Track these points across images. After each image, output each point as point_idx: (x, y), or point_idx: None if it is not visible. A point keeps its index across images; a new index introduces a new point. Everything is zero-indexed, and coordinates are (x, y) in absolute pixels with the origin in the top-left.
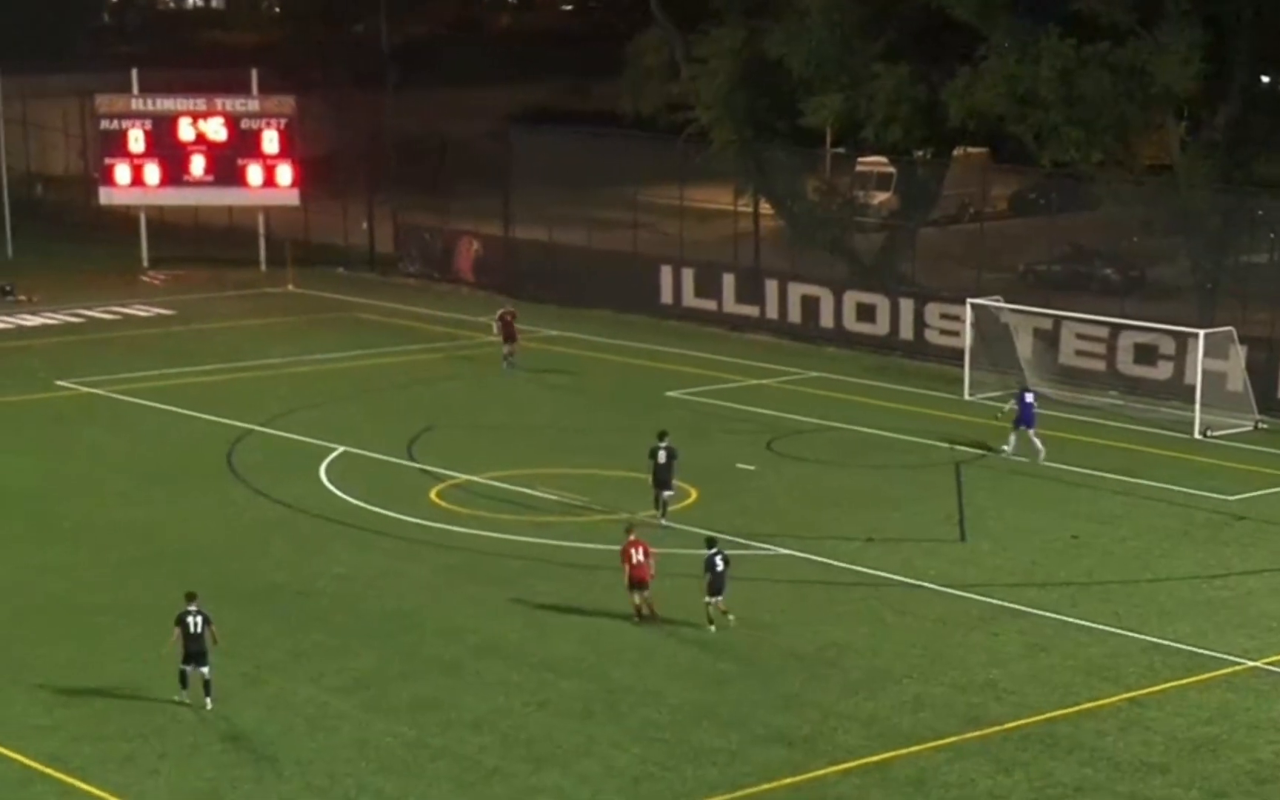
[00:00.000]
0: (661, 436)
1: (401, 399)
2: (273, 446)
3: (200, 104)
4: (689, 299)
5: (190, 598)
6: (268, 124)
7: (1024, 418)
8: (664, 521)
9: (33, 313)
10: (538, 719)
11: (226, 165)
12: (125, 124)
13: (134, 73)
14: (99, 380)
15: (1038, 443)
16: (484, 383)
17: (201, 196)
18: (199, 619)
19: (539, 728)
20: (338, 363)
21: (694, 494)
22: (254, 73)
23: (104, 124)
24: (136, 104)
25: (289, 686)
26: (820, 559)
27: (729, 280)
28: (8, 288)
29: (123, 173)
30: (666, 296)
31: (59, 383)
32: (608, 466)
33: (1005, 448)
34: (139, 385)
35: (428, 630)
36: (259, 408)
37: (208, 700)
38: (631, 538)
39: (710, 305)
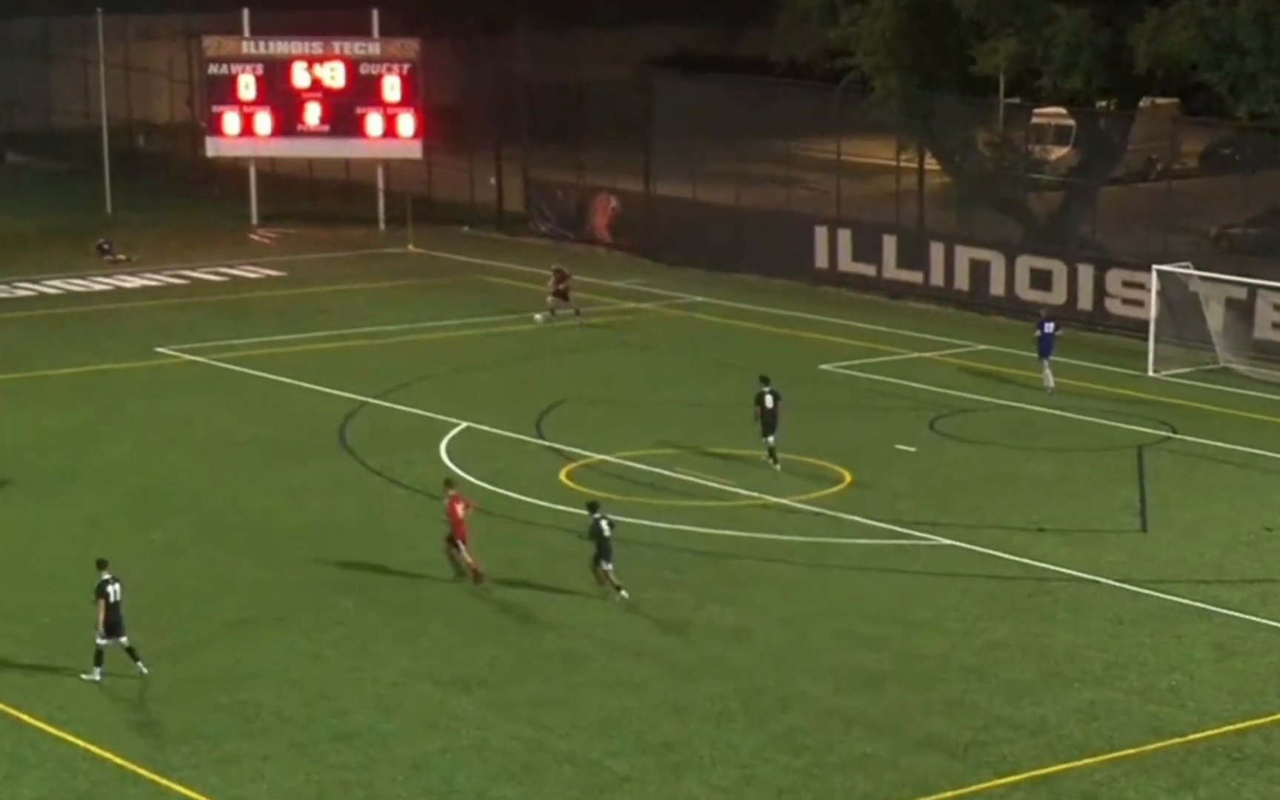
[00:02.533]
0: (764, 381)
1: (530, 370)
2: (389, 421)
3: (316, 47)
4: (846, 263)
5: (102, 565)
6: (389, 70)
7: (1041, 347)
8: (778, 466)
9: (132, 273)
10: (672, 722)
11: (344, 114)
12: (235, 69)
13: (245, 13)
14: (202, 347)
15: (1048, 376)
16: (621, 353)
17: (316, 148)
18: (118, 587)
19: (673, 732)
20: (461, 330)
21: (848, 477)
22: (374, 14)
23: (212, 69)
24: (247, 47)
25: (402, 682)
26: (985, 550)
27: (890, 243)
28: (106, 246)
29: (231, 122)
30: (821, 260)
31: (159, 349)
32: (754, 446)
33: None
34: (245, 353)
35: (552, 623)
36: (375, 379)
37: (140, 665)
38: (451, 493)
39: (869, 270)
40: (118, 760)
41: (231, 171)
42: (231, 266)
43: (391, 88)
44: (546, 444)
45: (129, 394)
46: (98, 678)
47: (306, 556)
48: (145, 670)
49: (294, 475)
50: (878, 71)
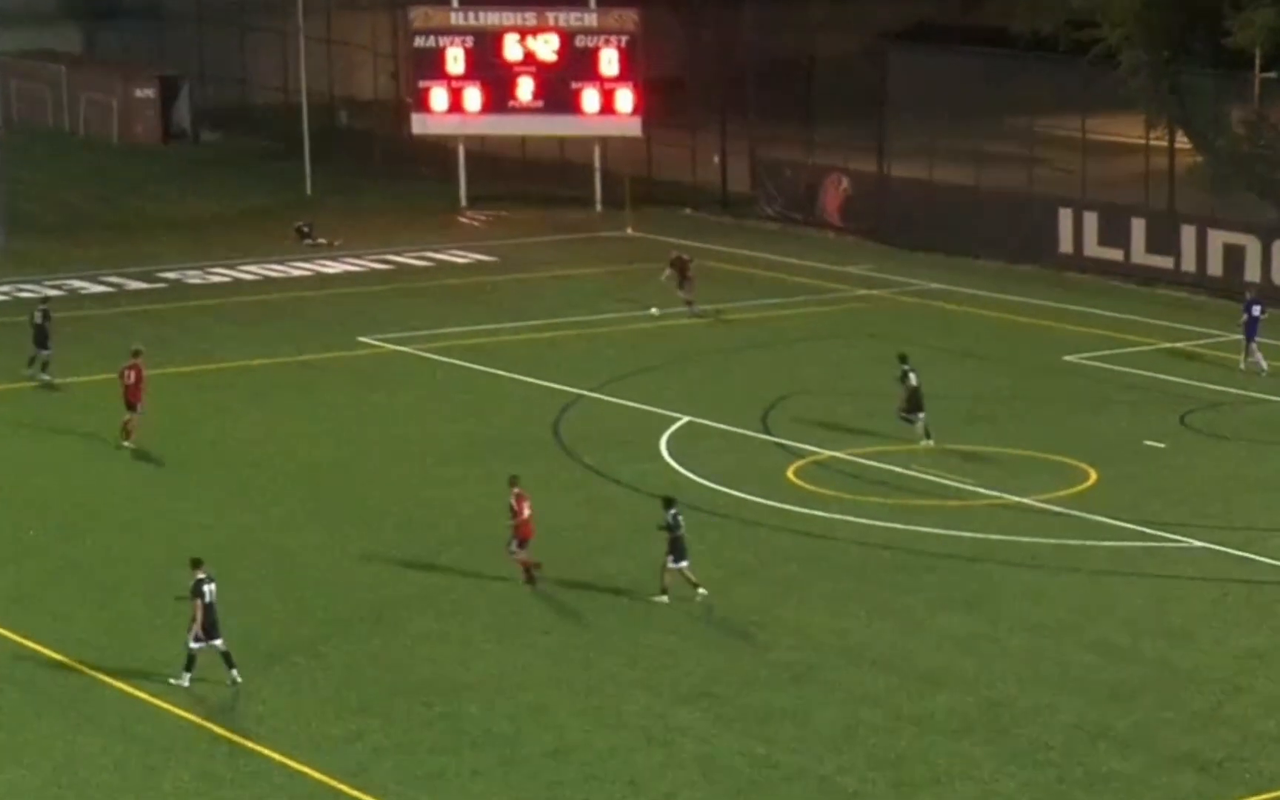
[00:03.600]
0: (903, 359)
1: (755, 361)
2: (606, 415)
3: (529, 18)
4: (1091, 248)
5: (197, 564)
6: (606, 42)
7: (1248, 330)
8: (932, 442)
9: (333, 258)
10: (908, 736)
11: (558, 89)
12: (443, 41)
13: None
14: (407, 337)
15: (1258, 359)
16: (851, 343)
17: (529, 125)
18: (213, 587)
19: (909, 746)
20: (681, 319)
21: (1093, 475)
22: None
23: (418, 41)
24: (456, 18)
25: (621, 693)
26: (1242, 554)
27: (1138, 226)
28: (306, 229)
29: (439, 97)
30: (1065, 245)
31: (361, 339)
32: (993, 442)
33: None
34: (453, 343)
35: (780, 630)
36: (591, 370)
37: (234, 673)
38: (516, 490)
39: (1116, 255)
40: (317, 775)
41: (439, 150)
42: (439, 251)
43: (609, 61)
44: (773, 439)
45: (330, 387)
46: (186, 683)
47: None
48: (239, 679)
49: (504, 472)
50: (1125, 43)
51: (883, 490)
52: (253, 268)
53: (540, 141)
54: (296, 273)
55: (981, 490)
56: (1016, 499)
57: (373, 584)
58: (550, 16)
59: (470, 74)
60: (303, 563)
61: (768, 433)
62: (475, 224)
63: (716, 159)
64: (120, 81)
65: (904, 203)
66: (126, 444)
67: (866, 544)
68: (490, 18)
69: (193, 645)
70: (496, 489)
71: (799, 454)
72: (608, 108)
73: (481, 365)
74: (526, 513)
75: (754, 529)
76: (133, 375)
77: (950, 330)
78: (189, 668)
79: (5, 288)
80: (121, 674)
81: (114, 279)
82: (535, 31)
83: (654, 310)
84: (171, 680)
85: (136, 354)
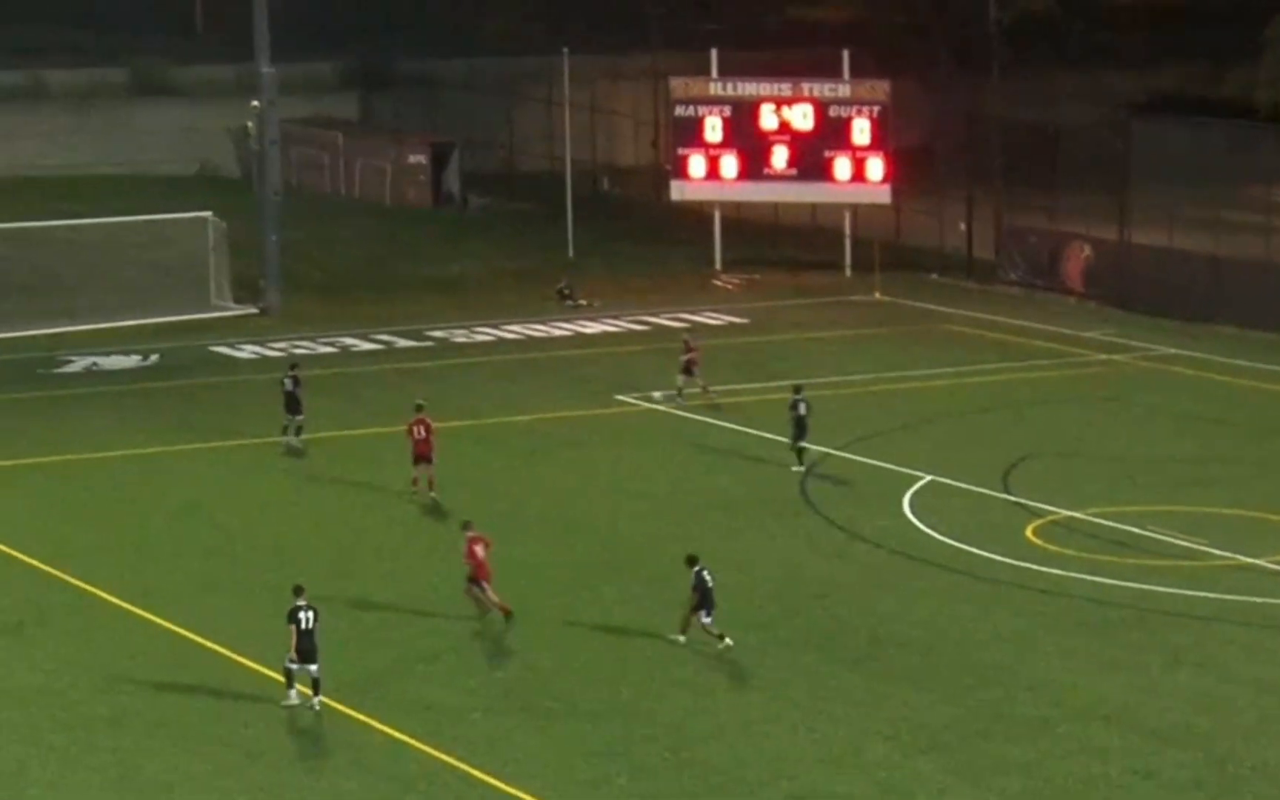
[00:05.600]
0: (797, 389)
1: (997, 423)
2: (851, 473)
3: (785, 89)
4: None
5: (299, 591)
6: (858, 111)
7: None
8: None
9: (593, 318)
10: (1141, 791)
11: (812, 157)
12: (702, 110)
13: (713, 53)
14: (662, 395)
15: None
16: (1091, 406)
17: (783, 192)
18: (310, 614)
19: None
20: (926, 380)
21: None
22: (845, 54)
23: (679, 110)
24: (715, 88)
25: (859, 742)
26: None
27: None
28: (567, 289)
29: (697, 165)
30: None
31: (618, 397)
32: (1228, 504)
33: None
34: (704, 401)
35: (1016, 685)
36: (838, 429)
37: (316, 700)
38: (470, 534)
39: None
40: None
41: (695, 216)
42: (694, 312)
43: (861, 131)
44: (1014, 499)
45: (588, 443)
46: (294, 700)
47: (765, 613)
48: (319, 706)
49: (752, 529)
50: None
51: (1119, 550)
52: (515, 327)
53: (792, 207)
54: (557, 332)
55: (1215, 551)
56: (1250, 560)
57: (620, 632)
58: (805, 87)
59: (727, 142)
60: (555, 615)
61: (1008, 492)
62: (728, 287)
63: (962, 226)
64: (394, 147)
65: (1144, 269)
66: (432, 495)
67: (1102, 602)
68: (748, 88)
69: (290, 666)
70: (746, 545)
71: (1038, 513)
72: (859, 176)
73: (732, 422)
74: (481, 555)
75: (993, 586)
76: (422, 429)
77: (1188, 394)
78: (290, 684)
79: (280, 344)
80: (381, 715)
81: (384, 337)
82: (790, 101)
83: (656, 395)
84: (283, 703)
85: (420, 408)
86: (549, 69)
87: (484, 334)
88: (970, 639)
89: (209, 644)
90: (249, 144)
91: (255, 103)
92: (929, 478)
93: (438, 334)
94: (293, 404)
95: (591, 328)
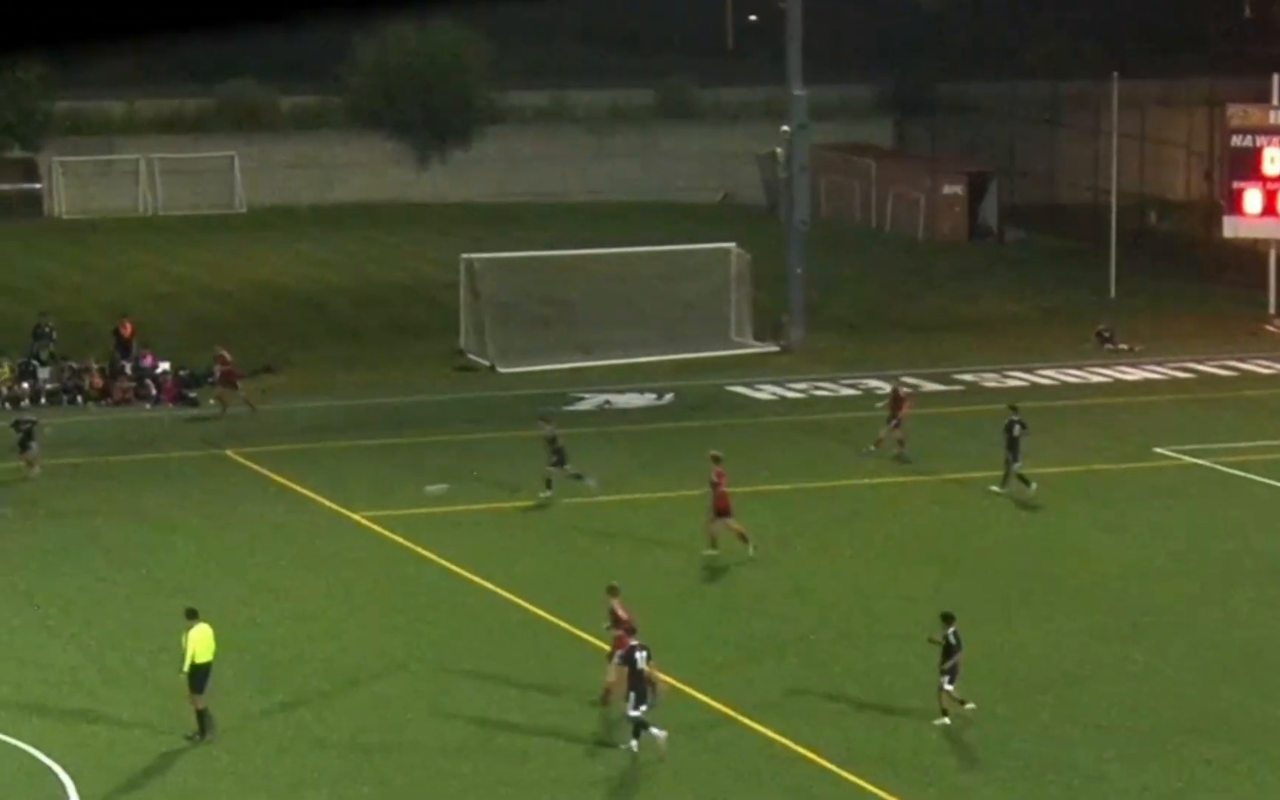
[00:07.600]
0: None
1: None
2: None
3: None
4: None
5: (631, 632)
6: None
7: None
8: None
9: (1133, 364)
10: None
11: None
12: (1260, 141)
13: (1275, 79)
14: (1205, 449)
15: None
16: None
17: None
18: (645, 654)
19: None
20: None
21: None
22: None
23: (1234, 140)
24: (1276, 117)
25: None
26: None
27: None
28: (1107, 333)
29: (1253, 199)
30: None
31: (1157, 449)
32: None
33: None
34: (1253, 457)
35: None
36: None
37: (634, 744)
38: (615, 602)
39: None
40: None
41: (1249, 254)
42: (1242, 360)
43: None
44: None
45: (1121, 498)
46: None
47: None
48: (636, 749)
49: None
50: None
51: None
52: (1050, 372)
53: None
54: (1094, 379)
55: None
56: None
57: (1154, 705)
58: None
59: None
60: (1078, 679)
61: None
62: None
63: None
64: (928, 177)
65: None
66: (752, 550)
67: None
68: None
69: (631, 713)
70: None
71: None
72: None
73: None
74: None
75: None
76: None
77: None
78: (635, 735)
79: (802, 384)
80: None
81: (910, 379)
82: None
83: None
84: (622, 747)
85: (717, 460)
86: (1096, 93)
87: (1016, 379)
88: None
89: None
90: (776, 171)
91: (785, 128)
92: None
93: (966, 377)
94: (556, 454)
95: (1131, 374)
